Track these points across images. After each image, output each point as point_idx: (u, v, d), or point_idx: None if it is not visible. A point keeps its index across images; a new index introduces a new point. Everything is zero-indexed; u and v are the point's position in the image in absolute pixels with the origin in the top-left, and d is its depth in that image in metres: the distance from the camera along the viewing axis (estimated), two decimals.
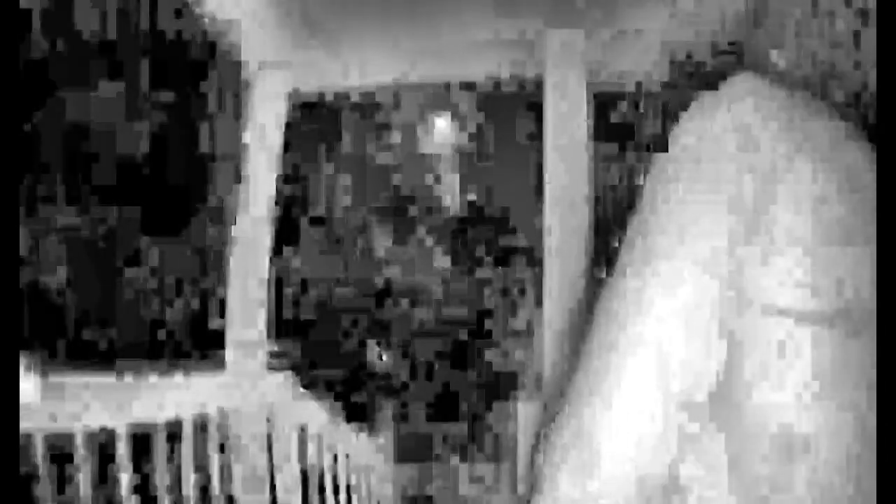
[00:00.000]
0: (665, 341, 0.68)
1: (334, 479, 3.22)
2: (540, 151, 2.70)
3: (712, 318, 0.68)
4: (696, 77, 0.87)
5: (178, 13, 5.39)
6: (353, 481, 3.35)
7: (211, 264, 5.59)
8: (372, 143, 7.25)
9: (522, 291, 7.04)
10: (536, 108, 2.77)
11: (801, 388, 0.65)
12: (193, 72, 5.88)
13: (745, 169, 0.69)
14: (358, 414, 3.63)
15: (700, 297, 0.68)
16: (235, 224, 2.90)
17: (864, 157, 0.70)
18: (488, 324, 7.24)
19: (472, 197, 7.48)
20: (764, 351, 0.66)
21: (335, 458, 3.21)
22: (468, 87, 6.16)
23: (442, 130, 7.36)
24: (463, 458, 6.44)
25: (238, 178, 2.91)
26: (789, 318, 0.65)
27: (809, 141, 0.70)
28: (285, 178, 3.12)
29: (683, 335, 0.68)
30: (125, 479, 2.15)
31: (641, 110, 5.31)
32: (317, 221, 7.21)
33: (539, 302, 2.68)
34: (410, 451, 5.84)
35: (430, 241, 7.45)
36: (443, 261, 7.42)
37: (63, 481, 2.03)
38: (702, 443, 0.69)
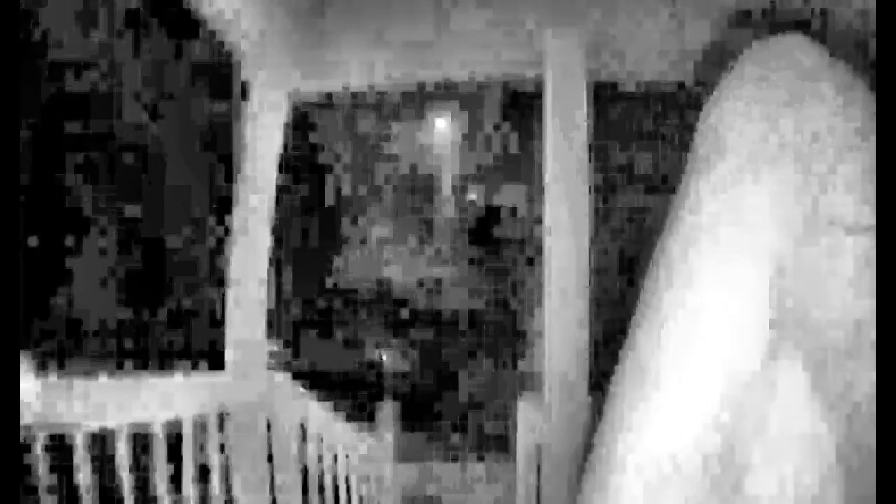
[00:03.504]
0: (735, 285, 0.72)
1: (334, 479, 3.21)
2: (540, 151, 2.70)
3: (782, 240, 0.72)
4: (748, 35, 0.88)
5: (179, 13, 5.38)
6: (353, 481, 3.35)
7: (211, 264, 5.59)
8: (372, 142, 7.25)
9: (524, 291, 7.04)
10: (536, 108, 2.77)
11: (850, 293, 0.69)
12: (195, 73, 5.88)
13: (807, 114, 0.73)
14: (358, 414, 3.63)
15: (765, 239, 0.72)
16: (236, 223, 2.90)
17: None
18: (490, 323, 7.23)
19: (472, 196, 7.48)
20: (828, 266, 0.70)
21: (335, 458, 3.21)
22: (468, 87, 6.16)
23: (442, 130, 7.36)
24: (463, 458, 6.44)
25: (237, 179, 2.91)
26: (843, 230, 0.70)
27: (854, 92, 0.74)
28: (291, 179, 3.12)
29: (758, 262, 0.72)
30: (125, 479, 2.15)
31: (642, 109, 5.30)
32: (317, 220, 7.21)
33: (540, 302, 2.68)
34: (411, 451, 5.83)
35: (431, 241, 7.44)
36: (445, 260, 7.42)
37: (63, 481, 2.03)
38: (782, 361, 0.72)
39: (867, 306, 0.71)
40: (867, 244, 0.72)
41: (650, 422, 0.73)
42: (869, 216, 0.72)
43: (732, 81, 0.80)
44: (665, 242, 0.78)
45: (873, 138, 0.73)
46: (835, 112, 0.75)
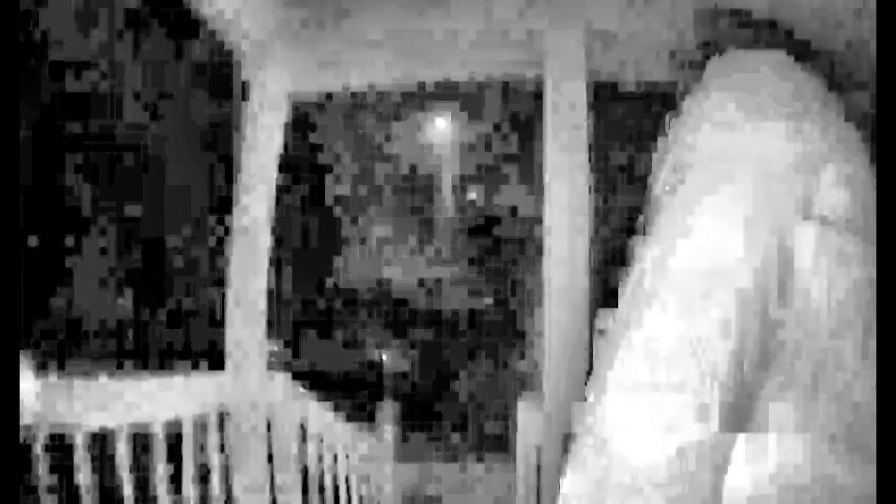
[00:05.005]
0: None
1: (334, 479, 3.21)
2: (540, 151, 2.69)
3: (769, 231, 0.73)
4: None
5: (179, 13, 5.38)
6: (353, 481, 3.35)
7: (211, 264, 5.59)
8: (373, 143, 7.24)
9: (524, 291, 7.04)
10: (536, 107, 2.77)
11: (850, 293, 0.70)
12: (195, 73, 5.88)
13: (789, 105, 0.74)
14: (358, 414, 3.62)
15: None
16: (236, 223, 2.90)
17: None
18: (490, 323, 7.23)
19: (472, 196, 7.48)
20: (812, 254, 0.71)
21: (335, 458, 3.21)
22: (468, 87, 6.16)
23: (442, 130, 7.36)
24: (463, 458, 6.44)
25: (237, 179, 2.91)
26: (831, 226, 0.71)
27: (812, 102, 0.75)
28: (291, 179, 3.12)
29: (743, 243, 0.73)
30: (125, 479, 2.15)
31: (642, 109, 5.30)
32: (317, 220, 7.21)
33: (540, 301, 2.68)
34: (410, 451, 5.84)
35: (432, 241, 7.44)
36: (445, 260, 7.42)
37: (63, 481, 2.03)
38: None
39: (866, 307, 0.71)
40: (867, 244, 0.72)
41: (638, 429, 0.73)
42: (859, 216, 0.73)
43: (708, 90, 0.80)
44: (644, 250, 0.78)
45: (851, 144, 0.74)
46: (799, 116, 0.75)
